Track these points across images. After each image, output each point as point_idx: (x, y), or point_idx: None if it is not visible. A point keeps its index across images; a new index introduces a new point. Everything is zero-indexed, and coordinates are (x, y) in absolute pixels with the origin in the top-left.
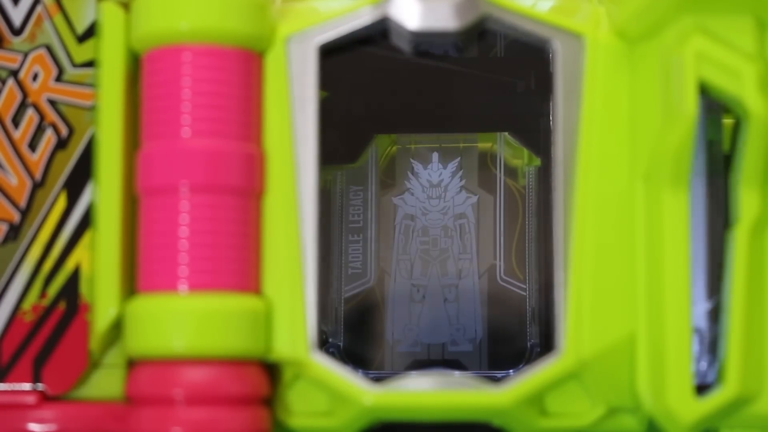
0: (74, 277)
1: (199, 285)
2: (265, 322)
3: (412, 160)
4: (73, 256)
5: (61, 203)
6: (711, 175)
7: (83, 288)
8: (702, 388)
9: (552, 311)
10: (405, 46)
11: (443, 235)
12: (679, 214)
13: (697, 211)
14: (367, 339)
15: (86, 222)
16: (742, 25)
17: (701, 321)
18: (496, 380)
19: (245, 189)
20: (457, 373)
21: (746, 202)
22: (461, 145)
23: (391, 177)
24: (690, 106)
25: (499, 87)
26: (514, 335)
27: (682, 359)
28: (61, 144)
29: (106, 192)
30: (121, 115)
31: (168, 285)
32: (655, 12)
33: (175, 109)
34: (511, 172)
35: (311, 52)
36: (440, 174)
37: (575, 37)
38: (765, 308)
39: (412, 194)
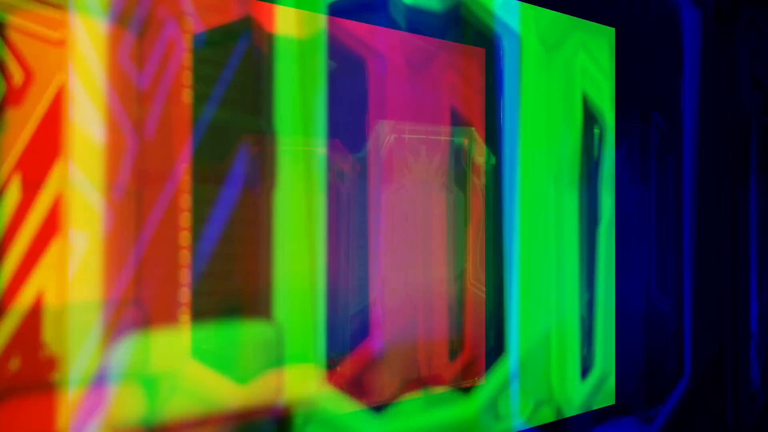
0: None
1: None
2: None
3: None
4: None
5: None
6: (588, 180)
7: None
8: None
9: (502, 313)
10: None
11: None
12: (571, 214)
13: (579, 212)
14: None
15: None
16: (602, 43)
17: (584, 311)
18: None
19: None
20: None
21: (604, 203)
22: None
23: None
24: (577, 115)
25: None
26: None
27: (574, 348)
28: None
29: None
30: None
31: None
32: (557, 24)
33: None
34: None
35: None
36: None
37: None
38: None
39: None
